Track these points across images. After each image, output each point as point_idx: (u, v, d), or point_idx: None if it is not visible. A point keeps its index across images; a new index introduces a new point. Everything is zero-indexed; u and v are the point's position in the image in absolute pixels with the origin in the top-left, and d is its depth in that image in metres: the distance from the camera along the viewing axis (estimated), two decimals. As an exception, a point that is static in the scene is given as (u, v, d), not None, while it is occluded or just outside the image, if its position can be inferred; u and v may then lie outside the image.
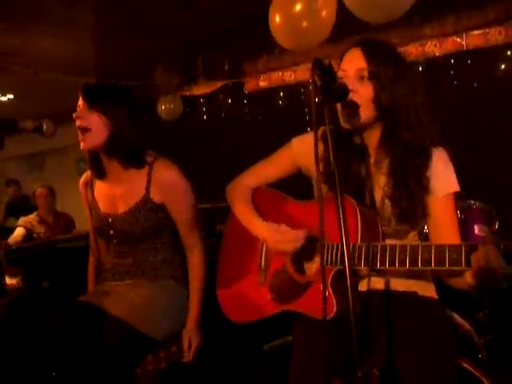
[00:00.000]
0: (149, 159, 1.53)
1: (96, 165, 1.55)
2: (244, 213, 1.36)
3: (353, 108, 1.14)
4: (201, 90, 5.16)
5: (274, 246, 1.26)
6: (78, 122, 1.46)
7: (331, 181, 1.09)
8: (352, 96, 1.14)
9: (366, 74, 1.15)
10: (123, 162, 1.50)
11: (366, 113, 1.16)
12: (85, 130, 1.46)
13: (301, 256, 1.27)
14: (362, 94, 1.15)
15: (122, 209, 1.53)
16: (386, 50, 1.20)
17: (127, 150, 1.49)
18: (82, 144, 1.48)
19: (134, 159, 1.51)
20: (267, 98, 4.87)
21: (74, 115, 1.47)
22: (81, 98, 1.48)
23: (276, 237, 1.24)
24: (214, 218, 2.76)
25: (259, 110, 4.91)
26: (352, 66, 1.17)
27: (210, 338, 1.57)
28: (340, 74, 1.19)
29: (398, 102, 1.15)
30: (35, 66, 4.48)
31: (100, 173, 1.55)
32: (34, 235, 3.70)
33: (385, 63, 1.16)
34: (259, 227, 1.30)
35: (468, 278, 0.99)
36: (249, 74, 4.99)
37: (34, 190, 4.06)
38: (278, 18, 2.65)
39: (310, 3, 2.58)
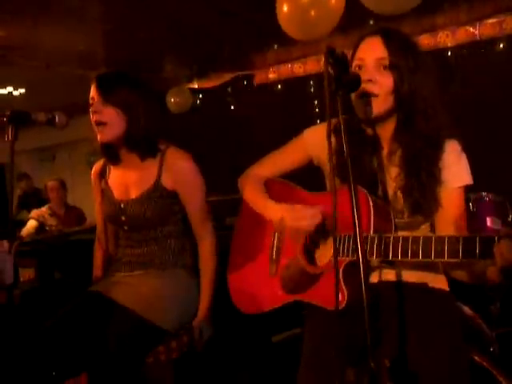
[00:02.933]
0: (161, 147, 1.54)
1: (110, 152, 1.55)
2: (257, 198, 1.35)
3: (368, 98, 1.13)
4: (210, 82, 5.15)
5: (292, 224, 1.22)
6: (94, 117, 1.47)
7: (344, 172, 1.09)
8: (370, 86, 1.12)
9: (386, 63, 1.13)
10: (142, 154, 1.52)
11: (385, 103, 1.14)
12: (101, 124, 1.47)
13: (313, 246, 1.26)
14: (382, 83, 1.13)
15: (133, 194, 1.55)
16: (405, 39, 1.18)
17: (144, 140, 1.50)
18: (98, 136, 1.48)
19: (150, 149, 1.52)
20: (277, 90, 4.85)
21: (90, 110, 1.47)
22: (95, 90, 1.48)
23: (293, 214, 1.21)
24: (223, 210, 2.77)
25: (269, 102, 4.89)
26: (371, 54, 1.15)
27: (220, 330, 1.58)
28: (356, 62, 1.17)
29: (417, 92, 1.14)
30: (46, 60, 4.51)
31: (116, 159, 1.56)
32: (46, 228, 3.76)
33: (405, 53, 1.14)
34: (274, 209, 1.28)
35: (491, 273, 0.98)
36: (258, 67, 4.96)
37: (46, 184, 4.12)
38: (285, 8, 2.62)
39: (319, -8, 2.55)
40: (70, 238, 3.13)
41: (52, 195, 4.04)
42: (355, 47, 1.20)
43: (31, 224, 3.76)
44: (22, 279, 2.82)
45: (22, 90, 5.50)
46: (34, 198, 4.85)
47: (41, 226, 3.76)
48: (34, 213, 3.91)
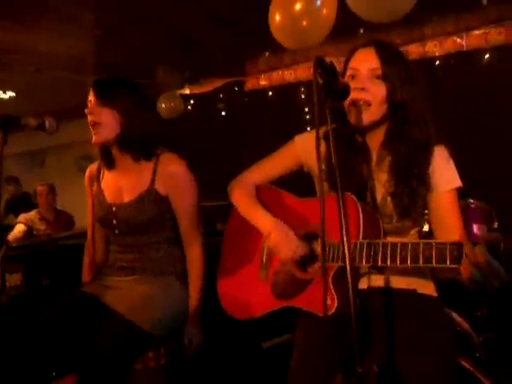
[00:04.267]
0: (157, 152, 1.56)
1: (107, 156, 1.56)
2: (248, 206, 1.35)
3: (361, 106, 1.17)
4: (201, 88, 5.16)
5: (274, 245, 1.25)
6: (89, 118, 1.49)
7: (333, 179, 1.10)
8: (363, 94, 1.16)
9: (379, 73, 1.18)
10: (135, 155, 1.53)
11: (378, 111, 1.19)
12: (96, 125, 1.48)
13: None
14: (375, 93, 1.18)
15: (126, 198, 1.55)
16: (396, 51, 1.24)
17: (139, 143, 1.52)
18: (94, 138, 1.50)
19: (145, 152, 1.54)
20: (268, 96, 4.87)
21: (86, 111, 1.49)
22: (92, 93, 1.50)
23: (281, 237, 1.23)
24: (214, 216, 2.76)
25: (260, 108, 4.91)
26: (364, 65, 1.20)
27: (210, 336, 1.57)
28: (350, 72, 1.21)
29: (409, 101, 1.19)
30: (37, 64, 4.49)
31: (111, 163, 1.57)
32: (35, 232, 3.71)
33: (396, 64, 1.20)
34: (266, 220, 1.29)
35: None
36: (249, 73, 4.99)
37: (35, 188, 4.07)
38: (278, 17, 2.65)
39: (310, 2, 2.58)
40: (58, 243, 3.09)
41: (41, 200, 4.00)
42: (348, 57, 1.24)
43: (19, 228, 3.71)
44: (8, 285, 2.77)
45: (12, 94, 5.46)
46: (22, 202, 4.79)
47: (29, 231, 3.71)
48: (23, 217, 3.86)
